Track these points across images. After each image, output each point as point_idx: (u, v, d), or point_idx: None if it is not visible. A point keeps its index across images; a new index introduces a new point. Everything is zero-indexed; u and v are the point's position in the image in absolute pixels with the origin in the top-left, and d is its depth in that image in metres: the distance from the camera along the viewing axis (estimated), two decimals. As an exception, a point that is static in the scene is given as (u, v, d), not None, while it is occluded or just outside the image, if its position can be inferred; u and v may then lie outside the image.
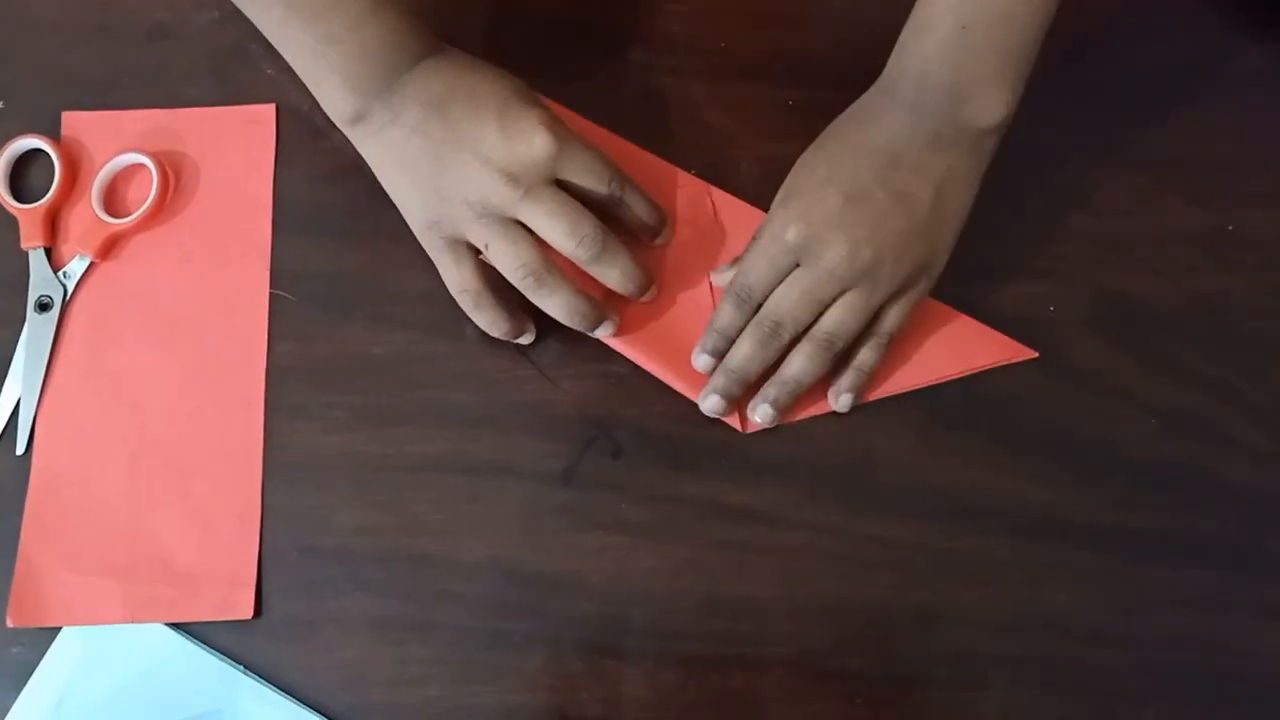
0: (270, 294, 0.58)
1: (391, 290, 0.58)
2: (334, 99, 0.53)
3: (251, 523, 0.54)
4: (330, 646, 0.53)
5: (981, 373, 0.57)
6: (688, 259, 0.58)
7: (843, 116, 0.55)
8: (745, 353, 0.54)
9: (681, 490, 0.55)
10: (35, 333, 0.57)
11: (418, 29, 0.53)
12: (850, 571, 0.54)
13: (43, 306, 0.57)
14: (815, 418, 0.56)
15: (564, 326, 0.54)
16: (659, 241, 0.57)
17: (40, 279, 0.58)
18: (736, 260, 0.56)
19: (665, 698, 0.53)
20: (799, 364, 0.54)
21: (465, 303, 0.55)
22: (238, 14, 0.62)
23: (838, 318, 0.53)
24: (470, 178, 0.51)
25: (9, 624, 0.53)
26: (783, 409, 0.55)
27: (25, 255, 0.58)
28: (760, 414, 0.55)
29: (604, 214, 0.53)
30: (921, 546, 0.55)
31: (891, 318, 0.54)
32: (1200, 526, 0.56)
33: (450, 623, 0.54)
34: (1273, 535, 0.56)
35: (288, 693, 0.52)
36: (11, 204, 0.58)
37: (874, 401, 0.56)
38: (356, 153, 0.60)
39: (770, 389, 0.55)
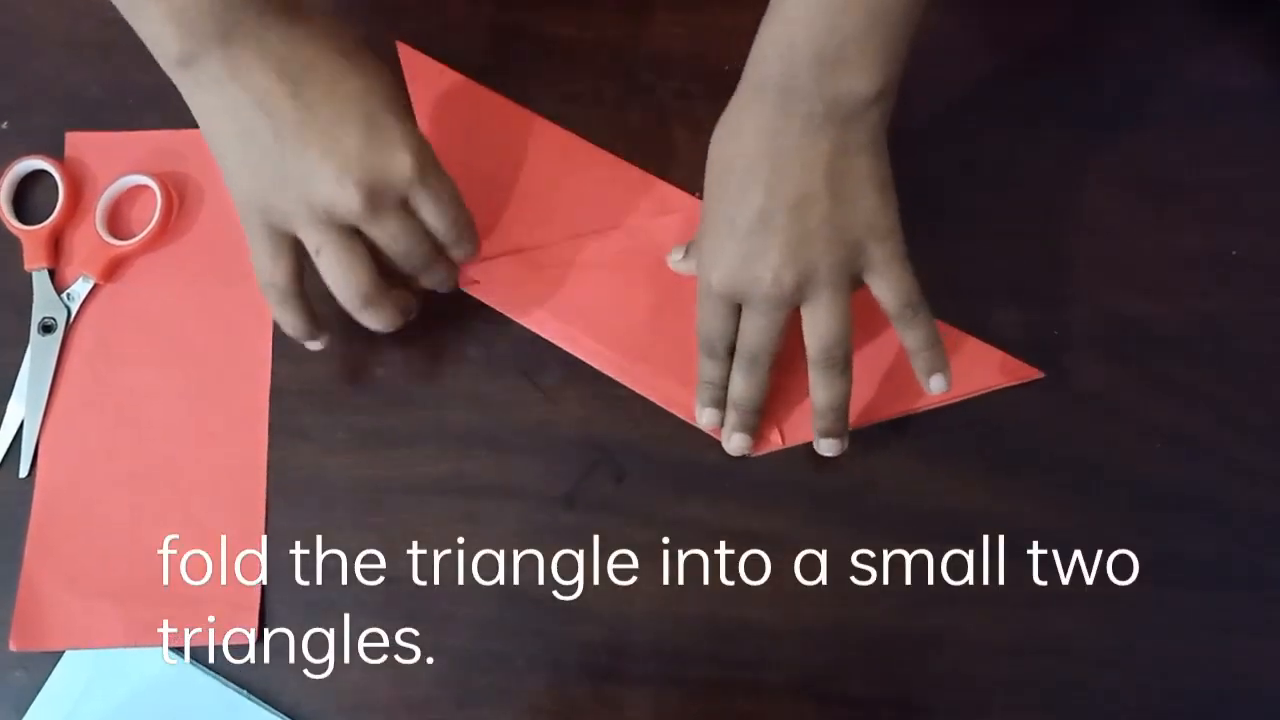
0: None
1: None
2: (156, 33, 0.47)
3: (254, 545, 0.54)
4: (332, 670, 0.53)
5: (984, 395, 0.57)
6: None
7: (716, 133, 0.52)
8: (741, 388, 0.54)
9: (684, 513, 0.55)
10: (39, 354, 0.57)
11: None
12: (852, 595, 0.54)
13: (46, 328, 0.57)
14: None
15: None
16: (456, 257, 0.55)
17: (44, 301, 0.58)
18: (689, 244, 0.56)
19: (667, 722, 0.53)
20: (823, 392, 0.53)
21: (271, 297, 0.52)
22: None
23: (815, 331, 0.51)
24: (317, 178, 0.48)
25: (12, 647, 0.53)
26: (842, 432, 0.54)
27: (29, 277, 0.58)
28: (827, 448, 0.54)
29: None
30: (923, 569, 0.55)
31: (886, 294, 0.51)
32: (1202, 548, 0.55)
33: (451, 646, 0.54)
34: (1275, 557, 0.55)
35: (289, 716, 0.52)
36: (15, 225, 0.58)
37: (875, 425, 0.56)
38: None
39: (819, 422, 0.53)
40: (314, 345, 0.55)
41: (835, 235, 0.50)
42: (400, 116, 0.50)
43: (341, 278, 0.50)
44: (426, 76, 0.61)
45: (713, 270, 0.52)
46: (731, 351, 0.54)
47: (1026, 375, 0.57)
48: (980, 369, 0.57)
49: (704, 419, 0.55)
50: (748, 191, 0.50)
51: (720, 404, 0.55)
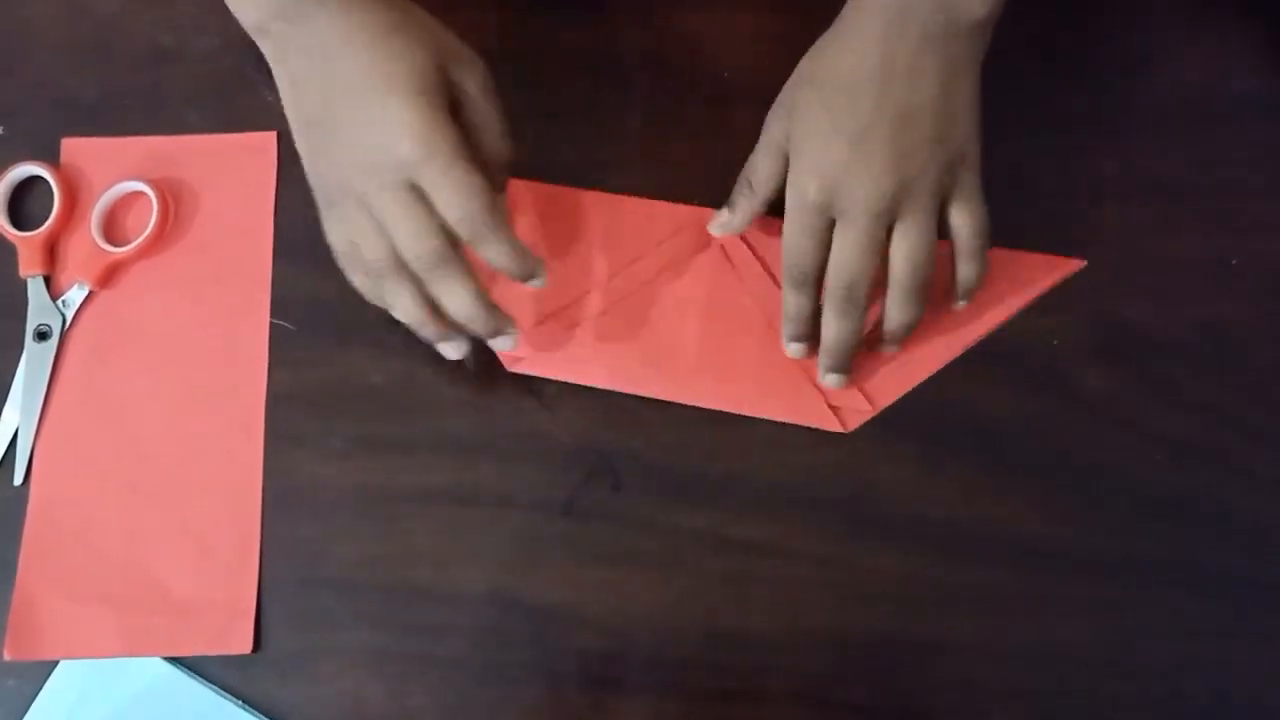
0: (270, 322, 0.58)
1: (390, 319, 0.57)
2: (236, 8, 0.51)
3: (250, 553, 0.54)
4: (328, 679, 0.53)
5: (983, 401, 0.57)
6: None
7: (823, 43, 0.53)
8: (835, 331, 0.53)
9: (683, 521, 0.55)
10: (34, 362, 0.57)
11: None
12: (852, 603, 0.54)
13: (41, 335, 0.57)
14: (816, 449, 0.56)
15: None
16: (533, 285, 0.52)
17: (39, 307, 0.57)
18: (728, 205, 0.57)
19: (666, 731, 0.53)
20: (897, 314, 0.53)
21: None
22: (240, 40, 0.61)
23: (905, 251, 0.51)
24: (336, 154, 0.50)
25: (6, 657, 0.52)
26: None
27: (24, 284, 0.58)
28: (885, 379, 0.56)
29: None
30: (924, 577, 0.54)
31: (964, 223, 0.53)
32: (1205, 556, 0.55)
33: (449, 654, 0.53)
34: (1275, 563, 0.55)
35: (286, 726, 0.52)
36: (10, 232, 0.58)
37: (876, 431, 0.56)
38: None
39: (886, 347, 0.55)
40: (450, 351, 0.54)
41: (936, 153, 0.51)
42: (416, 93, 0.48)
43: (343, 245, 0.52)
44: None
45: (811, 179, 0.51)
46: (819, 280, 0.53)
47: (1069, 267, 0.58)
48: (1021, 278, 0.58)
49: (792, 350, 0.56)
50: (856, 101, 0.50)
51: (808, 338, 0.55)
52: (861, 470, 0.56)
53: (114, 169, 0.59)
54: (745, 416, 0.56)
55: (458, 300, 0.50)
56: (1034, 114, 0.61)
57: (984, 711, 0.53)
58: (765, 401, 0.56)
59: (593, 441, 0.56)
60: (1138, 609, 0.54)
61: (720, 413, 0.56)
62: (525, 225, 0.59)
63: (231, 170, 0.60)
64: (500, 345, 0.53)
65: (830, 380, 0.55)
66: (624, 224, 0.59)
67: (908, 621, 0.54)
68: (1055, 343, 0.58)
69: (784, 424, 0.56)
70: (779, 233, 0.54)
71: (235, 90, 0.61)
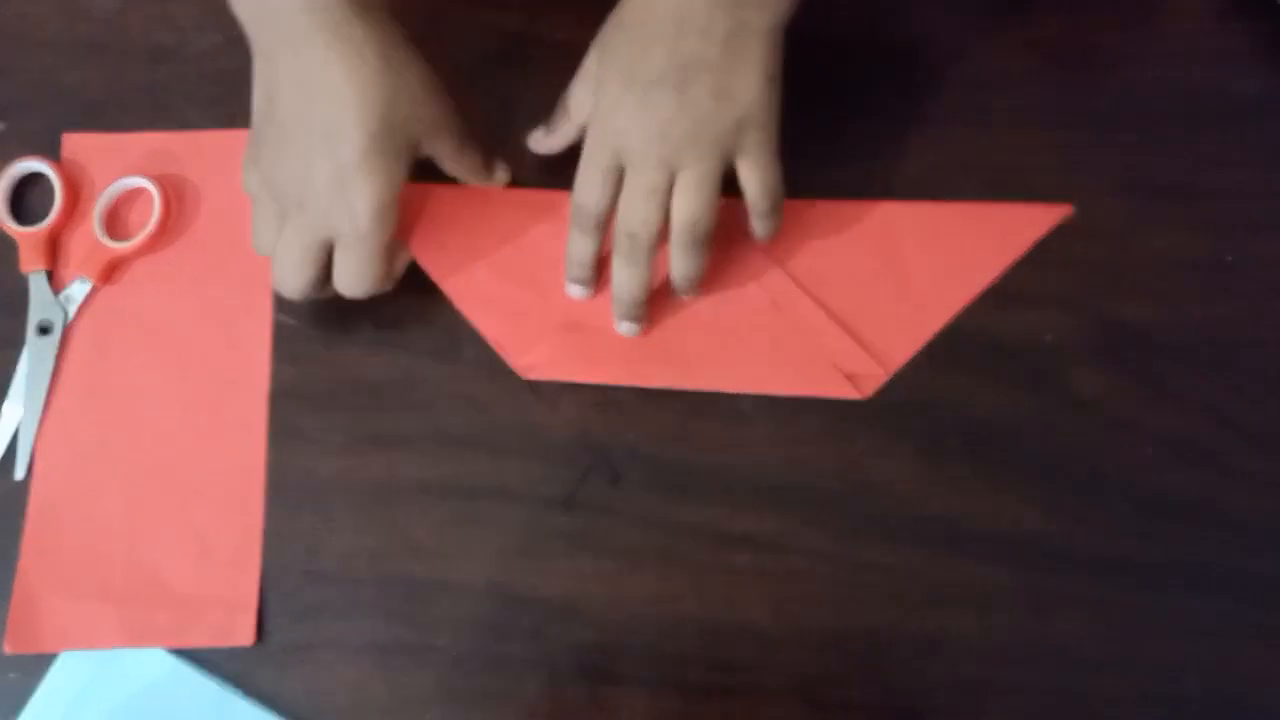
0: (272, 318, 0.58)
1: (390, 314, 0.58)
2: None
3: (252, 547, 0.54)
4: (329, 670, 0.53)
5: (981, 400, 0.57)
6: None
7: (622, 5, 0.54)
8: (623, 279, 0.54)
9: (681, 516, 0.55)
10: (36, 357, 0.57)
11: None
12: (849, 599, 0.54)
13: (43, 330, 0.57)
14: (815, 445, 0.56)
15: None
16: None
17: (41, 303, 0.58)
18: (546, 125, 0.58)
19: (664, 725, 0.53)
20: (678, 265, 0.54)
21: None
22: (240, 37, 0.62)
23: (681, 204, 0.52)
24: (281, 165, 0.52)
25: (6, 650, 0.53)
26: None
27: (26, 279, 0.58)
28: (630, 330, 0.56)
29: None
30: (920, 574, 0.55)
31: (751, 180, 0.53)
32: (1200, 554, 0.55)
33: (448, 647, 0.54)
34: (1273, 562, 0.55)
35: (287, 718, 0.52)
36: (12, 227, 0.58)
37: (873, 428, 0.56)
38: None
39: (682, 294, 0.56)
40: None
41: (720, 109, 0.51)
42: (370, 167, 0.51)
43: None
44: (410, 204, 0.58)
45: (604, 121, 0.52)
46: (603, 225, 0.54)
47: (1058, 214, 0.58)
48: (1012, 230, 0.59)
49: (572, 292, 0.57)
50: (650, 49, 0.51)
51: (588, 283, 0.56)
52: (860, 467, 0.56)
53: (116, 165, 0.60)
54: (744, 411, 0.56)
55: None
56: (1032, 110, 0.61)
57: (980, 709, 0.53)
58: (780, 378, 0.57)
59: (592, 436, 0.56)
60: (1134, 607, 0.55)
61: (719, 408, 0.57)
62: (514, 230, 0.59)
63: (233, 166, 0.59)
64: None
65: (624, 329, 0.56)
66: (614, 222, 0.59)
67: (904, 618, 0.54)
68: (1050, 339, 0.58)
69: (782, 420, 0.56)
70: None
71: (236, 87, 0.61)
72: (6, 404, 0.56)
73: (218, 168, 0.60)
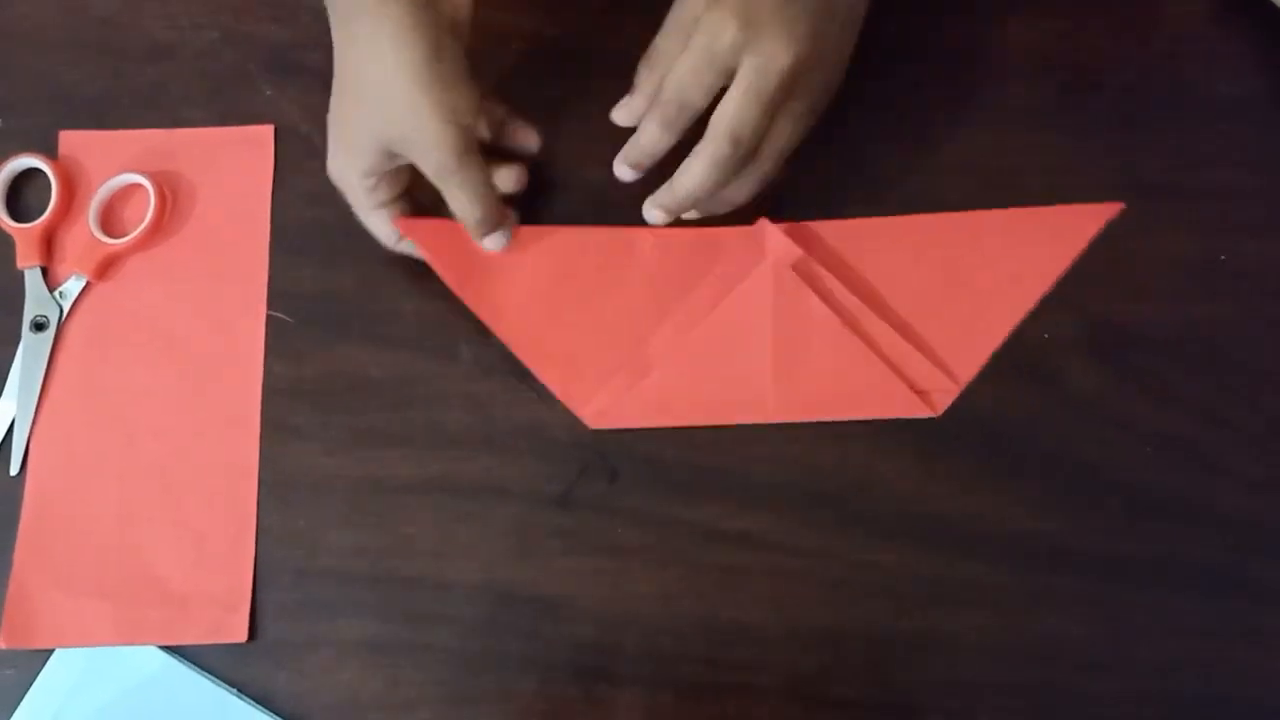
0: (266, 315, 0.58)
1: (387, 311, 0.58)
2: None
3: (246, 544, 0.54)
4: (324, 668, 0.53)
5: (977, 399, 0.57)
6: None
7: None
8: (699, 175, 0.51)
9: (677, 514, 0.55)
10: (30, 353, 0.57)
11: None
12: (846, 597, 0.54)
13: (38, 326, 0.57)
14: (812, 443, 0.56)
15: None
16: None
17: (36, 299, 0.57)
18: (634, 92, 0.54)
19: (660, 723, 0.53)
20: (738, 186, 0.53)
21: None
22: (237, 35, 0.62)
23: (785, 134, 0.51)
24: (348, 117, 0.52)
25: (0, 646, 0.52)
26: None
27: (21, 275, 0.58)
28: (658, 218, 0.53)
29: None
30: (917, 572, 0.55)
31: (787, 134, 0.52)
32: (1195, 553, 0.55)
33: (444, 645, 0.53)
34: (1267, 561, 0.55)
35: (281, 716, 0.52)
36: (8, 223, 0.58)
37: (869, 426, 0.56)
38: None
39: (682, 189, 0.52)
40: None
41: (840, 49, 0.51)
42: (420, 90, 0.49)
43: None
44: (433, 240, 0.56)
45: (731, 21, 0.48)
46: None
47: (1110, 213, 0.58)
48: (1071, 231, 0.58)
49: (619, 172, 0.54)
50: None
51: (643, 170, 0.53)
52: (856, 465, 0.56)
53: (112, 161, 0.60)
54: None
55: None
56: (1028, 110, 0.61)
57: (976, 707, 0.53)
58: (854, 402, 0.56)
59: (588, 434, 0.56)
60: (1129, 606, 0.55)
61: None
62: (566, 270, 0.58)
63: (229, 163, 0.60)
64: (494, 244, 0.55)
65: (620, 172, 0.53)
66: (670, 257, 0.58)
67: (900, 616, 0.54)
68: (1047, 338, 0.58)
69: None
70: (827, 234, 0.57)
71: (233, 85, 0.62)
72: (1, 400, 0.56)
73: (214, 165, 0.60)
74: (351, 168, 0.53)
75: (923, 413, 0.56)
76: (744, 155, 0.50)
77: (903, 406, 0.56)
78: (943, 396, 0.57)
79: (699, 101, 0.50)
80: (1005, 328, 0.57)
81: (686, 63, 0.50)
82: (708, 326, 0.57)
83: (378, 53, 0.49)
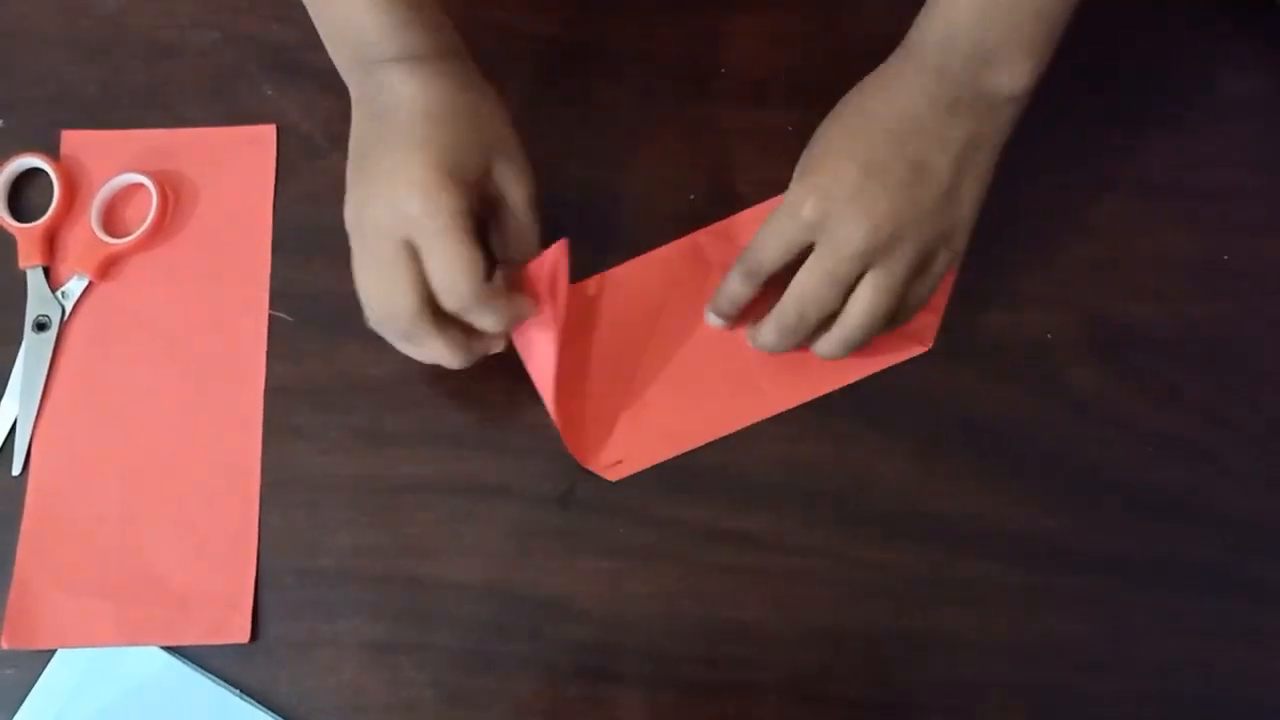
0: (268, 314, 0.58)
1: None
2: (328, 49, 0.53)
3: (248, 544, 0.54)
4: (325, 669, 0.53)
5: (979, 398, 0.57)
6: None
7: (862, 84, 0.53)
8: (770, 341, 0.54)
9: (678, 515, 0.55)
10: (33, 353, 0.57)
11: (417, 23, 0.50)
12: (846, 597, 0.54)
13: (40, 326, 0.57)
14: (812, 443, 0.56)
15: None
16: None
17: (38, 299, 0.57)
18: (719, 294, 0.56)
19: (660, 722, 0.53)
20: (828, 348, 0.53)
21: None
22: (239, 34, 0.62)
23: (866, 304, 0.51)
24: (355, 191, 0.50)
25: (3, 646, 0.52)
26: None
27: (23, 275, 0.58)
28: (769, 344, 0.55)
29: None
30: (918, 571, 0.55)
31: (914, 297, 0.53)
32: (1195, 553, 0.56)
33: (445, 645, 0.53)
34: (1267, 561, 0.56)
35: (283, 716, 0.52)
36: (10, 223, 0.58)
37: (870, 426, 0.56)
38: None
39: (825, 347, 0.54)
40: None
41: (935, 219, 0.51)
42: (429, 169, 0.47)
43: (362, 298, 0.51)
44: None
45: (811, 195, 0.50)
46: (770, 280, 0.53)
47: (917, 347, 0.58)
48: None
49: (711, 320, 0.57)
50: (877, 141, 0.51)
51: (728, 319, 0.56)
52: (856, 464, 0.56)
53: (114, 161, 0.60)
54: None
55: (433, 356, 0.50)
56: (1030, 109, 0.61)
57: (976, 706, 0.53)
58: (843, 366, 0.56)
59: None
60: (1129, 605, 0.55)
61: (716, 407, 0.57)
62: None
63: (231, 163, 0.60)
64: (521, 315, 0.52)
65: (710, 319, 0.57)
66: (630, 291, 0.58)
67: (901, 615, 0.54)
68: (1049, 337, 0.58)
69: (780, 418, 0.57)
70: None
71: (234, 85, 0.62)
72: (3, 400, 0.56)
73: (215, 164, 0.60)
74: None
75: (915, 350, 0.57)
76: (814, 324, 0.52)
77: (897, 352, 0.57)
78: (927, 331, 0.57)
79: (774, 264, 0.53)
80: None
81: (768, 228, 0.52)
82: (686, 347, 0.57)
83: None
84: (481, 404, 0.57)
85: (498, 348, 0.52)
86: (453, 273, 0.47)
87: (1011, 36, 0.49)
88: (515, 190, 0.51)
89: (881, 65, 0.53)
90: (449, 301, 0.48)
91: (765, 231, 0.52)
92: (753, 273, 0.53)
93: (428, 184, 0.47)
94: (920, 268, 0.52)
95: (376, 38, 0.50)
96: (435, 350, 0.50)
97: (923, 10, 0.52)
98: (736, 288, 0.54)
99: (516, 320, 0.51)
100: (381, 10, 0.49)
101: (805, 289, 0.51)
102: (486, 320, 0.49)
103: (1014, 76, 0.50)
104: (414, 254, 0.48)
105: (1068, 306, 0.59)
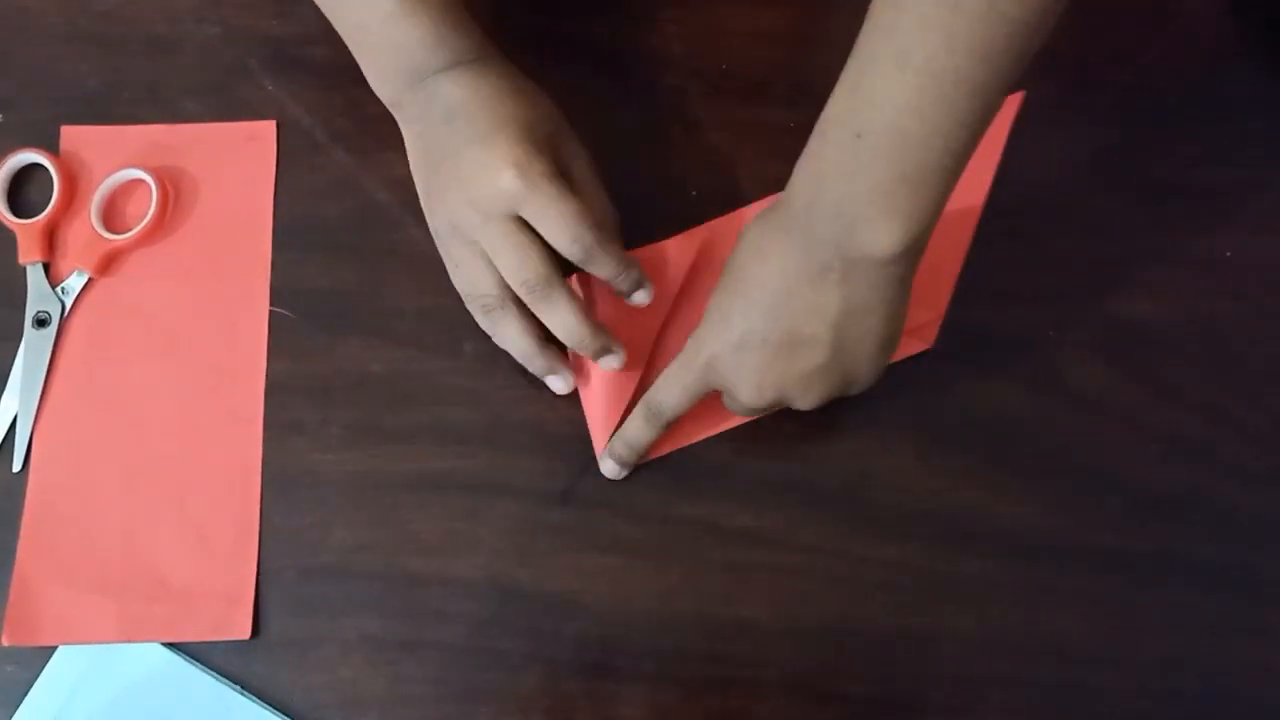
0: (269, 310, 0.58)
1: (389, 307, 0.58)
2: (373, 82, 0.55)
3: (249, 541, 0.54)
4: (327, 666, 0.53)
5: (981, 395, 0.57)
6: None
7: (745, 234, 0.51)
8: (635, 434, 0.55)
9: (680, 511, 0.55)
10: (33, 349, 0.57)
11: (458, 31, 0.53)
12: (848, 594, 0.54)
13: (40, 322, 0.57)
14: (814, 440, 0.56)
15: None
16: (636, 301, 0.54)
17: (38, 295, 0.57)
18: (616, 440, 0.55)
19: (662, 719, 0.53)
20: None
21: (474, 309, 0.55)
22: (239, 29, 0.62)
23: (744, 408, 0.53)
24: (448, 195, 0.52)
25: (4, 643, 0.52)
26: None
27: (23, 270, 0.58)
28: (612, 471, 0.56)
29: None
30: (919, 569, 0.55)
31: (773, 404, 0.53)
32: (1198, 550, 0.56)
33: (446, 642, 0.53)
34: (1270, 558, 0.56)
35: (284, 712, 0.52)
36: (9, 219, 0.58)
37: (872, 423, 0.56)
38: (356, 169, 0.60)
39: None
40: (558, 384, 0.56)
41: (824, 378, 0.50)
42: (517, 140, 0.51)
43: (461, 285, 0.54)
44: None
45: (703, 350, 0.51)
46: (671, 423, 0.54)
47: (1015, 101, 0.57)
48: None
49: (605, 468, 0.55)
50: (755, 314, 0.50)
51: (627, 465, 0.55)
52: (859, 462, 0.56)
53: (114, 157, 0.59)
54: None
55: (563, 322, 0.52)
56: (1032, 108, 0.61)
57: (978, 703, 0.53)
58: None
59: (590, 430, 0.56)
60: (1133, 602, 0.55)
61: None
62: None
63: (231, 158, 0.60)
64: (608, 364, 0.54)
65: (606, 467, 0.55)
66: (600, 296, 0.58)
67: (903, 612, 0.54)
68: (1052, 335, 0.58)
69: (781, 415, 0.56)
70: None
71: (235, 80, 0.62)
72: (3, 396, 0.56)
73: (216, 160, 0.60)
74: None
75: (916, 348, 0.57)
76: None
77: (899, 350, 0.56)
78: (928, 329, 0.57)
79: (675, 410, 0.53)
80: (961, 247, 0.57)
81: (669, 373, 0.53)
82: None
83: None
84: (482, 401, 0.57)
85: (562, 387, 0.56)
86: (572, 223, 0.50)
87: (875, 199, 0.45)
88: (579, 161, 0.55)
89: (765, 210, 0.50)
90: (574, 252, 0.51)
91: (667, 373, 0.53)
92: (655, 414, 0.54)
93: (519, 158, 0.50)
94: (825, 400, 0.52)
95: (424, 54, 0.52)
96: (561, 316, 0.52)
97: (799, 160, 0.48)
98: (639, 428, 0.54)
99: (633, 271, 0.53)
100: (423, 27, 0.52)
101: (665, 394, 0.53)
102: (607, 267, 0.52)
103: (881, 241, 0.45)
104: (523, 225, 0.51)
105: (1069, 304, 0.59)
